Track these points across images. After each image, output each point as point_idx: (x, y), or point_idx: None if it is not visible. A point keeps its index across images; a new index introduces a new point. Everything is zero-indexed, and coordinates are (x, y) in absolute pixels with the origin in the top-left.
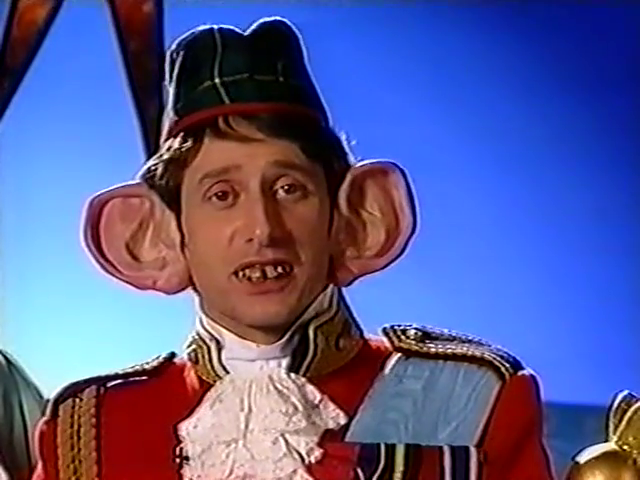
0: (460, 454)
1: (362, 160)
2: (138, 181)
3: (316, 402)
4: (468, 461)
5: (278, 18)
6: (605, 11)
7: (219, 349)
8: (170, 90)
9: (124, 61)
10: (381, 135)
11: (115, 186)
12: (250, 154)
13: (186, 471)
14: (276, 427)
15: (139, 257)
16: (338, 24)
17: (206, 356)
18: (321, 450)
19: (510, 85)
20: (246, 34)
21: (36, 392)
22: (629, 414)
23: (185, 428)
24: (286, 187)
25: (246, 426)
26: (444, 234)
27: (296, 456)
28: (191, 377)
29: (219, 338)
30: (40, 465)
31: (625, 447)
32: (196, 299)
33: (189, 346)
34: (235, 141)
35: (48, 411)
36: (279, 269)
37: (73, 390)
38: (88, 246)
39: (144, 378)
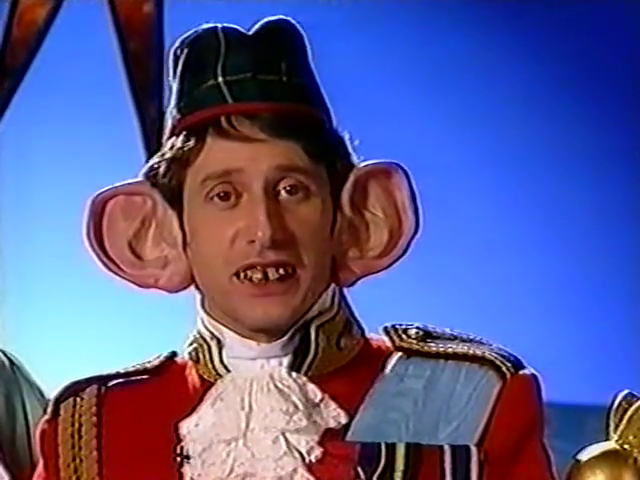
0: (461, 453)
1: (365, 160)
2: (141, 179)
3: (317, 401)
4: (469, 460)
5: (282, 17)
6: (604, 11)
7: (220, 348)
8: (173, 88)
9: (124, 61)
10: (383, 135)
11: (118, 184)
12: (252, 156)
13: (186, 470)
14: (276, 426)
15: (141, 255)
16: (340, 24)
17: (207, 355)
18: (322, 449)
19: (511, 85)
20: (250, 33)
21: (39, 392)
22: (629, 413)
23: (186, 427)
24: (288, 188)
25: (247, 425)
26: (444, 235)
27: (296, 455)
28: (192, 376)
29: (220, 337)
30: (41, 464)
31: (626, 446)
32: (197, 298)
33: (190, 345)
34: (237, 141)
35: (49, 410)
36: (281, 271)
37: (74, 389)
38: (91, 244)
39: (145, 377)
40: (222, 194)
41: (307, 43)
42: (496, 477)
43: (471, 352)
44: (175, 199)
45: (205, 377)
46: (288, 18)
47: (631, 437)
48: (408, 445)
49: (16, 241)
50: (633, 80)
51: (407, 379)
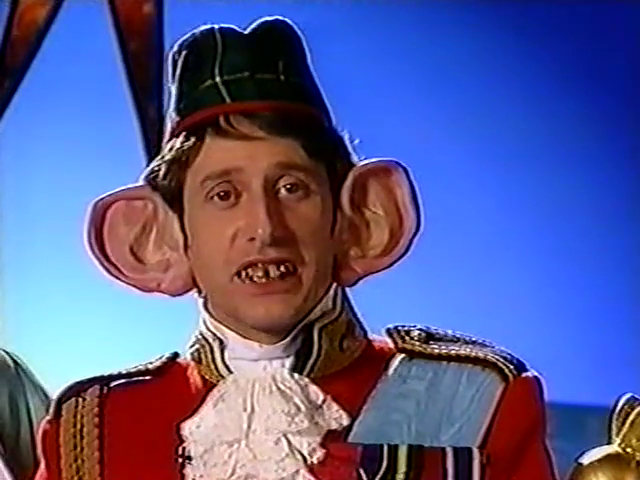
0: (463, 455)
1: (365, 159)
2: (141, 183)
3: (319, 402)
4: (471, 463)
5: (279, 17)
6: (604, 11)
7: (222, 349)
8: (172, 91)
9: (124, 61)
10: (384, 135)
11: (118, 189)
12: (251, 155)
13: (188, 471)
14: (278, 427)
15: (143, 260)
16: (340, 23)
17: (209, 356)
18: (324, 451)
19: (511, 85)
20: (247, 33)
21: (43, 394)
22: (632, 417)
23: (188, 428)
24: (288, 186)
25: (249, 426)
26: (445, 235)
27: (298, 457)
28: (194, 377)
29: (222, 338)
30: (43, 464)
31: (628, 449)
32: (200, 298)
33: (192, 346)
34: (236, 140)
35: (51, 410)
36: (282, 268)
37: (76, 390)
38: (92, 249)
39: (147, 378)
40: (222, 194)
41: (304, 43)
42: (498, 479)
43: (474, 354)
44: (175, 201)
45: (207, 378)
46: (284, 18)
47: (634, 441)
48: (410, 447)
49: (16, 241)
50: (633, 80)
51: (410, 381)
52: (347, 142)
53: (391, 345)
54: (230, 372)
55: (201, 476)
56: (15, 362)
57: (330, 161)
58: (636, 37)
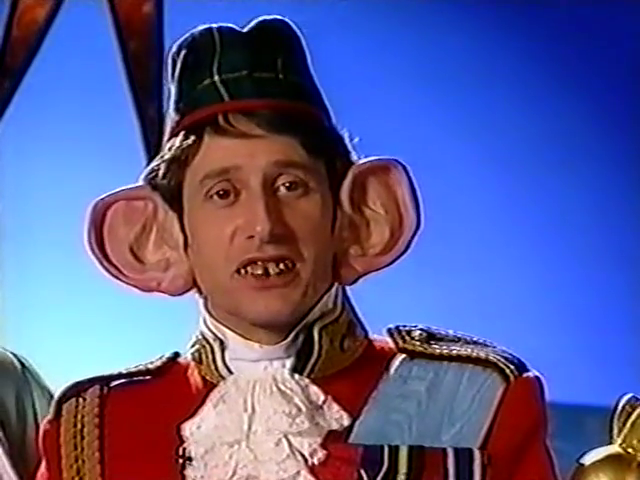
0: (464, 456)
1: (365, 158)
2: (141, 183)
3: (320, 403)
4: (472, 463)
5: (277, 16)
6: (606, 11)
7: (223, 349)
8: (172, 90)
9: (124, 61)
10: (382, 133)
11: (118, 189)
12: (250, 153)
13: (189, 472)
14: (279, 428)
15: (143, 259)
16: (340, 22)
17: (210, 356)
18: (324, 451)
19: (510, 84)
20: (245, 31)
21: (49, 395)
22: (633, 417)
23: (188, 428)
24: (287, 184)
25: (249, 427)
26: (445, 235)
27: (299, 457)
28: (195, 377)
29: (223, 338)
30: (44, 464)
31: (629, 450)
32: (200, 298)
33: (193, 346)
34: (235, 138)
35: (51, 410)
36: (281, 266)
37: (77, 390)
38: (92, 250)
39: (148, 378)
40: (221, 192)
41: (303, 42)
42: None
43: (475, 354)
44: (175, 200)
45: (208, 378)
46: (283, 17)
47: (635, 441)
48: (411, 448)
49: (16, 241)
50: (634, 79)
51: (410, 381)
52: (347, 140)
53: (392, 345)
54: (231, 373)
55: (202, 477)
56: (22, 364)
57: (329, 159)
58: (637, 37)
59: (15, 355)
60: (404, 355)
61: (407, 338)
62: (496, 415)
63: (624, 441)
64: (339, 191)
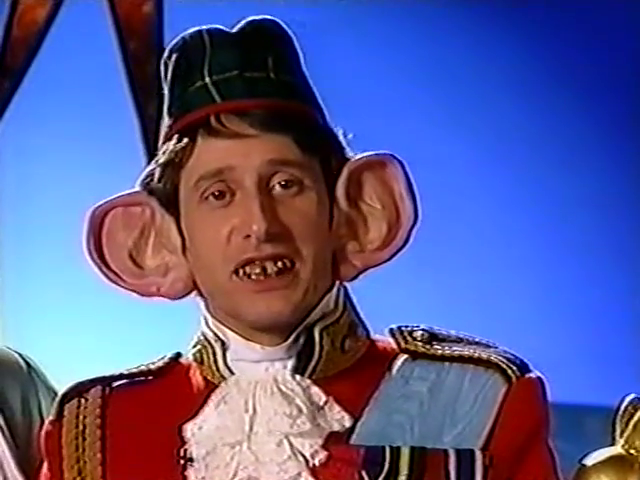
0: (465, 457)
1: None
2: (138, 189)
3: (321, 404)
4: (473, 464)
5: (266, 16)
6: (605, 9)
7: (224, 350)
8: (165, 95)
9: (124, 61)
10: (381, 132)
11: (115, 195)
12: (244, 152)
13: (190, 473)
14: (280, 429)
15: (142, 265)
16: (338, 20)
17: (211, 357)
18: (325, 453)
19: (510, 83)
20: (235, 32)
21: (54, 394)
22: (636, 418)
23: (190, 429)
24: (282, 183)
25: (250, 428)
26: (446, 236)
27: (300, 459)
28: (196, 377)
29: (224, 339)
30: (45, 465)
31: (632, 451)
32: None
33: (194, 346)
34: (228, 138)
35: (53, 411)
36: (279, 264)
37: (78, 390)
38: (92, 257)
39: (149, 378)
40: (216, 193)
41: (295, 41)
42: None
43: (477, 355)
44: (171, 204)
45: (209, 379)
46: (272, 17)
47: (637, 442)
48: (412, 449)
49: (16, 241)
50: (634, 79)
51: (412, 382)
52: (341, 137)
53: (394, 346)
54: (232, 373)
55: (203, 478)
56: (27, 363)
57: (324, 156)
58: (637, 34)
59: (21, 355)
60: (406, 356)
61: (409, 338)
62: (498, 416)
63: (626, 442)
64: (335, 188)
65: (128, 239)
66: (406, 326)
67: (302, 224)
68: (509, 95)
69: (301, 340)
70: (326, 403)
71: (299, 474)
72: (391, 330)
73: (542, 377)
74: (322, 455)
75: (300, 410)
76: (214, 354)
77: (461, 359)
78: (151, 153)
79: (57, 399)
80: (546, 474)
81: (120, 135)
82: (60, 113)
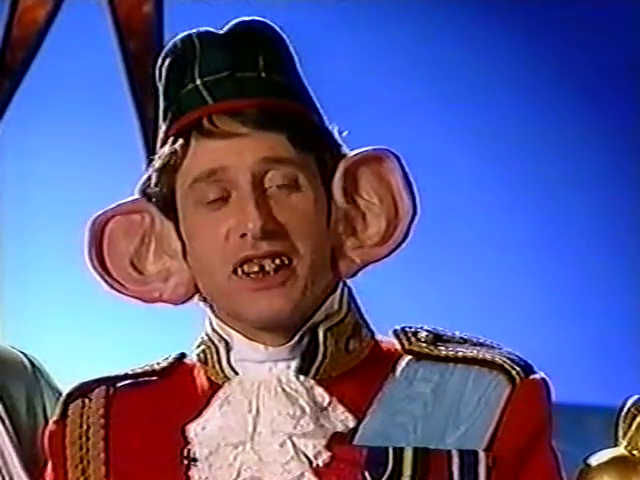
0: (469, 458)
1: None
2: (137, 196)
3: (325, 405)
4: (477, 465)
5: (256, 17)
6: (605, 9)
7: (228, 350)
8: (160, 100)
9: (124, 61)
10: (379, 130)
11: (115, 204)
12: (237, 152)
13: (194, 473)
14: (284, 430)
15: (144, 272)
16: (338, 20)
17: (215, 357)
18: (329, 453)
19: (509, 83)
20: (224, 33)
21: (59, 394)
22: (639, 419)
23: (193, 430)
24: (277, 181)
25: (254, 428)
26: (445, 235)
27: (303, 459)
28: (200, 378)
29: (228, 339)
30: (49, 465)
31: (634, 452)
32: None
33: (198, 347)
34: (221, 139)
35: (57, 411)
36: (277, 261)
37: (83, 390)
38: (94, 266)
39: (154, 378)
40: (212, 195)
41: (286, 40)
42: None
43: (480, 356)
44: (169, 208)
45: (213, 379)
46: (262, 18)
47: None
48: (416, 450)
49: (16, 241)
50: (634, 79)
51: (416, 383)
52: (336, 134)
53: (398, 347)
54: (236, 373)
55: (206, 478)
56: (32, 363)
57: (319, 154)
58: (637, 34)
59: (25, 355)
60: (410, 357)
61: (413, 339)
62: (502, 417)
63: (629, 443)
64: (331, 185)
65: (129, 247)
66: (410, 327)
67: (298, 221)
68: (508, 94)
69: (305, 340)
70: (330, 404)
71: (302, 474)
72: (395, 331)
73: (546, 378)
74: (325, 456)
75: (303, 410)
76: (218, 354)
77: (465, 360)
78: (150, 153)
79: (61, 399)
80: (550, 475)
81: (120, 135)
82: (60, 113)
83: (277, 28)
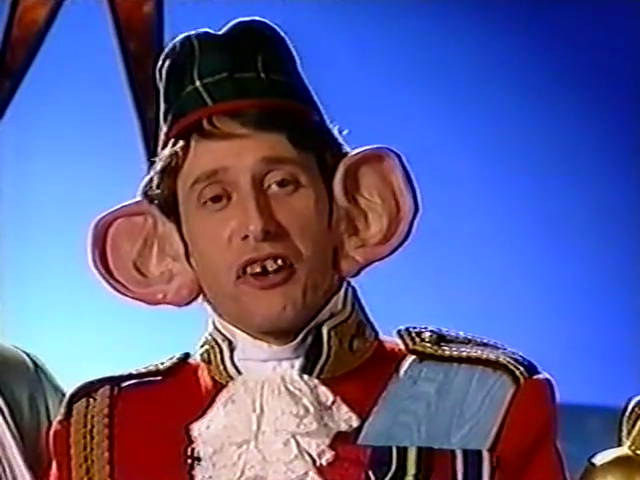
0: (473, 458)
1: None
2: (139, 198)
3: (329, 404)
4: (480, 465)
5: (255, 17)
6: (605, 9)
7: (231, 349)
8: (161, 102)
9: (124, 61)
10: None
11: (117, 206)
12: (237, 152)
13: (197, 472)
14: (287, 429)
15: (147, 274)
16: (338, 20)
17: (218, 356)
18: (333, 452)
19: (509, 83)
20: (222, 34)
21: (61, 394)
22: None
23: (197, 429)
24: (278, 181)
25: (258, 427)
26: (445, 236)
27: (307, 458)
28: (204, 377)
29: (231, 339)
30: (54, 464)
31: (638, 452)
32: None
33: (202, 346)
34: (221, 140)
35: (62, 411)
36: (279, 262)
37: (87, 390)
38: (97, 269)
39: (158, 378)
40: (213, 196)
41: (286, 41)
42: None
43: (484, 356)
44: (171, 210)
45: (217, 379)
46: (261, 18)
47: None
48: (420, 449)
49: (16, 241)
50: (634, 79)
51: (420, 382)
52: (336, 134)
53: (402, 346)
54: (239, 373)
55: (210, 477)
56: (35, 363)
57: (320, 153)
58: (637, 37)
59: (28, 355)
60: (414, 356)
61: (417, 339)
62: (506, 417)
63: (633, 443)
64: (332, 184)
65: (132, 249)
66: (414, 327)
67: (299, 222)
68: (508, 94)
69: (309, 340)
70: (333, 403)
71: (306, 474)
72: (399, 331)
73: (550, 379)
74: (329, 455)
75: (307, 410)
76: (221, 354)
77: (469, 360)
78: (151, 153)
79: (66, 399)
80: (554, 476)
81: (120, 135)
82: (60, 113)
83: (277, 28)
